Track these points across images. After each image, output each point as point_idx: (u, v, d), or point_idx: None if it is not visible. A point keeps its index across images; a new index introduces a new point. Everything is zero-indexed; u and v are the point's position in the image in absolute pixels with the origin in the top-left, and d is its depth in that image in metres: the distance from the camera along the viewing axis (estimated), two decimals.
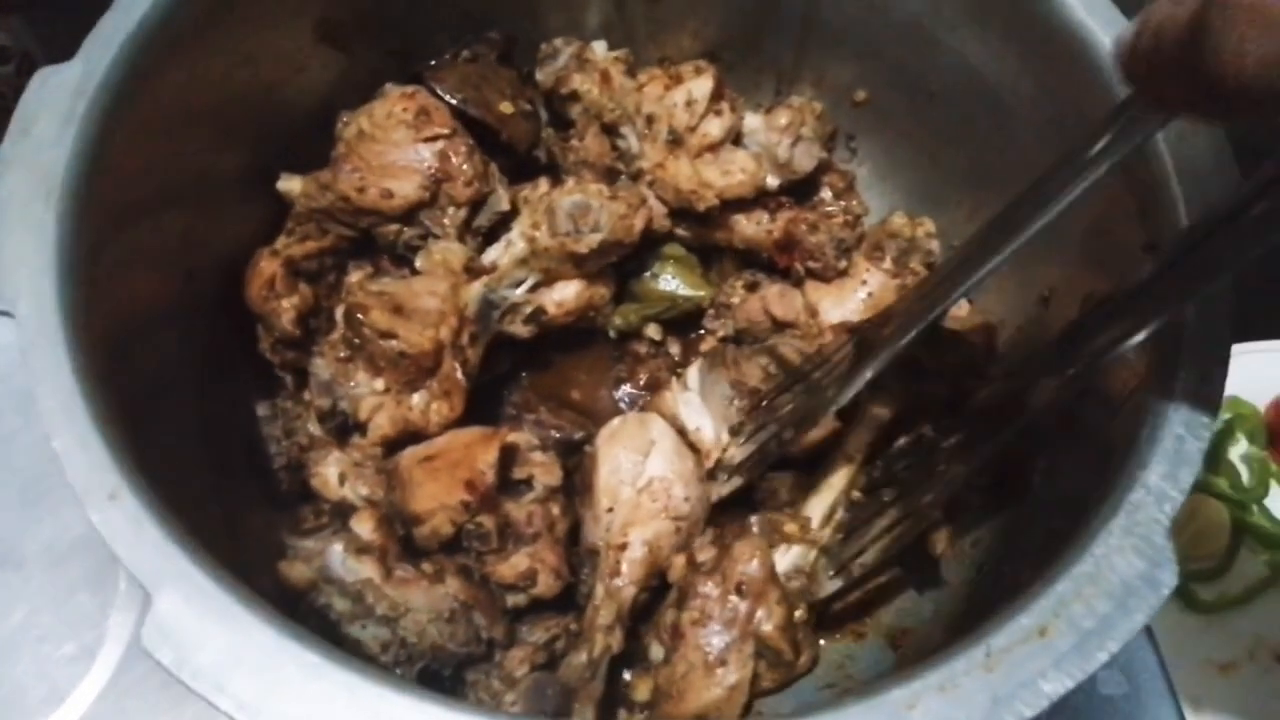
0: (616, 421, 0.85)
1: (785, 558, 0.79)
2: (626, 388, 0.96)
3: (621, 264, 0.91)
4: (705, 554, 0.78)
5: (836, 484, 0.80)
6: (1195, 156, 0.66)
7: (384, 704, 0.49)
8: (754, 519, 0.81)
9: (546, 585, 0.77)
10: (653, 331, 0.96)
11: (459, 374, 0.80)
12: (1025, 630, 0.53)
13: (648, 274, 0.94)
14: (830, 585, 0.79)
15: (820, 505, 0.80)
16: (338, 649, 0.51)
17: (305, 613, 0.69)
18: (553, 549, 0.78)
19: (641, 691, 0.77)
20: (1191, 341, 0.61)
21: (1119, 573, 0.54)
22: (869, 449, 0.81)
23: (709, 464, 0.84)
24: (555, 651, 0.78)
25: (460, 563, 0.76)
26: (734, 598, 0.74)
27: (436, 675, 0.73)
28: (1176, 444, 0.58)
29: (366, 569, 0.70)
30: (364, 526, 0.74)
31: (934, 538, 0.77)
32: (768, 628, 0.73)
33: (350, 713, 0.49)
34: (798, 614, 0.76)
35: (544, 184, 0.90)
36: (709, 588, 0.75)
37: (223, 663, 0.49)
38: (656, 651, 0.77)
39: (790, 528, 0.80)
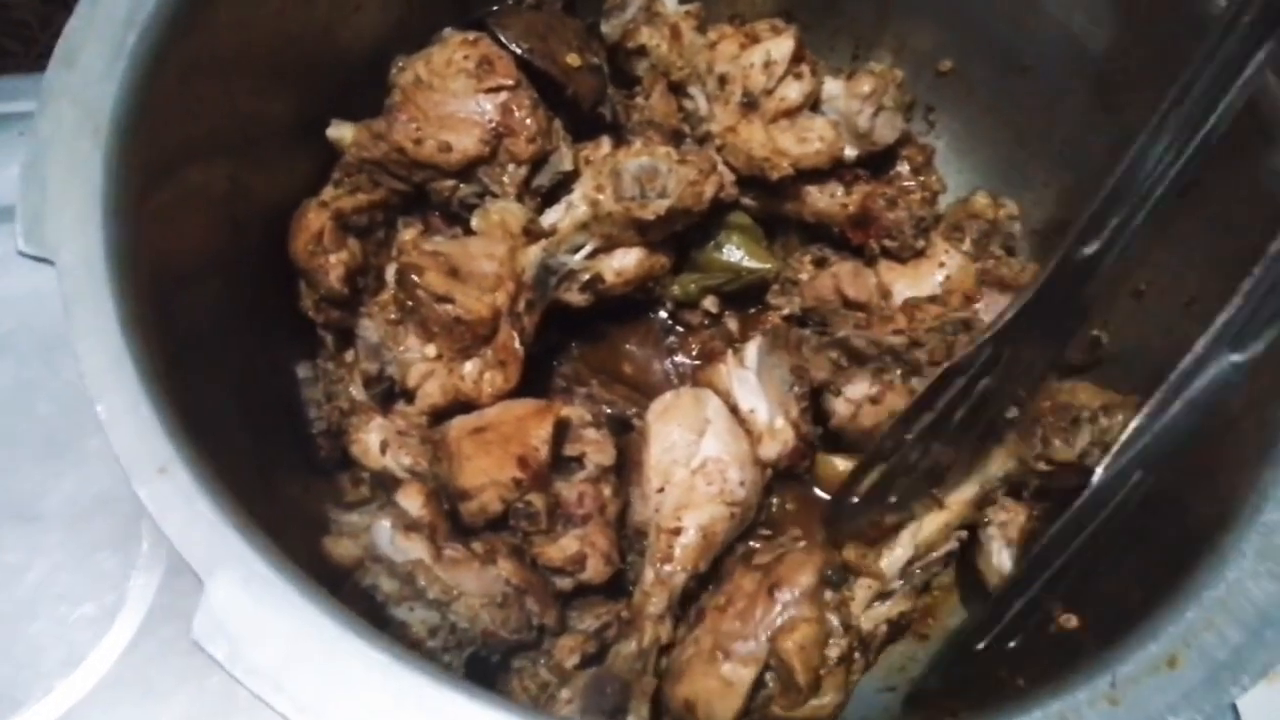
0: (669, 396, 0.81)
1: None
2: (679, 357, 0.91)
3: (683, 233, 0.86)
4: (763, 557, 0.74)
5: (924, 536, 0.75)
6: None
7: (452, 708, 0.45)
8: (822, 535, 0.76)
9: (596, 570, 0.73)
10: (710, 304, 0.91)
11: (516, 343, 0.76)
12: (1153, 659, 0.49)
13: (710, 243, 0.89)
14: (871, 620, 0.74)
15: (900, 555, 0.74)
16: (402, 647, 0.47)
17: (349, 592, 0.65)
18: (604, 532, 0.74)
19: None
20: None
21: (1253, 600, 0.50)
22: (969, 506, 0.75)
23: (760, 449, 0.80)
24: (606, 640, 0.74)
25: (511, 543, 0.72)
26: (766, 599, 0.70)
27: (484, 662, 0.69)
28: None
29: (417, 549, 0.66)
30: (412, 502, 0.70)
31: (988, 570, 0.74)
32: (788, 641, 0.68)
33: (418, 716, 0.45)
34: (831, 649, 0.70)
35: (606, 144, 0.85)
36: (746, 580, 0.72)
37: (281, 659, 0.45)
38: (680, 632, 0.74)
39: (850, 554, 0.75)
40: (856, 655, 0.73)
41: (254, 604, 0.46)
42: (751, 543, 0.76)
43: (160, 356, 0.55)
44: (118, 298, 0.54)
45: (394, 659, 0.46)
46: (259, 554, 0.48)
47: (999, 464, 0.73)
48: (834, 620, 0.71)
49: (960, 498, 0.73)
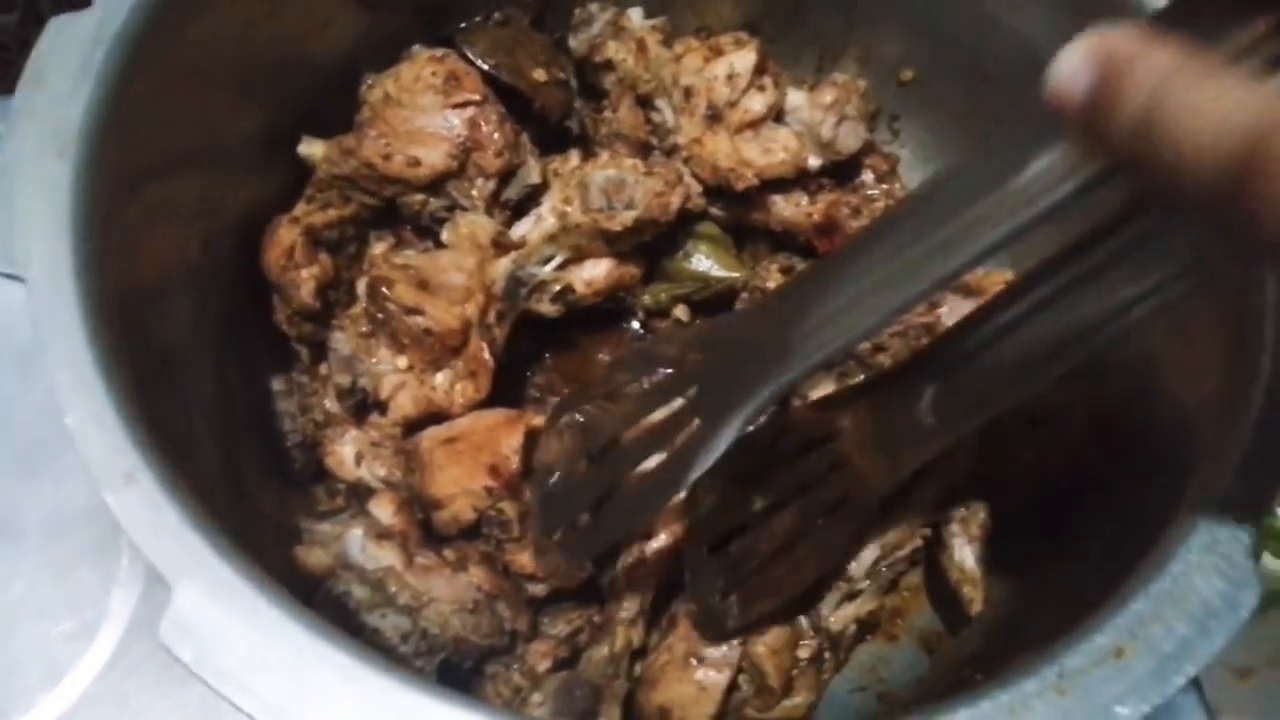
0: None
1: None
2: None
3: (652, 243, 0.87)
4: None
5: (890, 539, 0.75)
6: None
7: (421, 712, 0.46)
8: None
9: (569, 577, 0.74)
10: (680, 313, 0.92)
11: (486, 354, 0.77)
12: (1101, 651, 0.49)
13: (679, 253, 0.90)
14: (840, 620, 0.75)
15: (867, 556, 0.74)
16: (372, 650, 0.48)
17: (322, 600, 0.66)
18: None
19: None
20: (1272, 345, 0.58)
21: (1199, 593, 0.51)
22: (932, 506, 0.75)
23: None
24: (578, 645, 0.75)
25: (483, 550, 0.73)
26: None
27: (456, 668, 0.70)
28: (1262, 453, 0.55)
29: (388, 556, 0.67)
30: (384, 510, 0.71)
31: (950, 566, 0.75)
32: (759, 645, 0.70)
33: None
34: (802, 650, 0.72)
35: (575, 157, 0.86)
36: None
37: (248, 662, 0.46)
38: (653, 639, 0.74)
39: None
40: (827, 655, 0.74)
41: (220, 609, 0.47)
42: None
43: (130, 370, 0.56)
44: (86, 313, 0.55)
45: (360, 662, 0.46)
46: (226, 561, 0.48)
47: (959, 462, 0.74)
48: (803, 622, 0.72)
49: (922, 497, 0.74)
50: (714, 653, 0.69)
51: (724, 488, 0.70)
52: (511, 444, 0.74)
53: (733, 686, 0.70)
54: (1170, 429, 0.65)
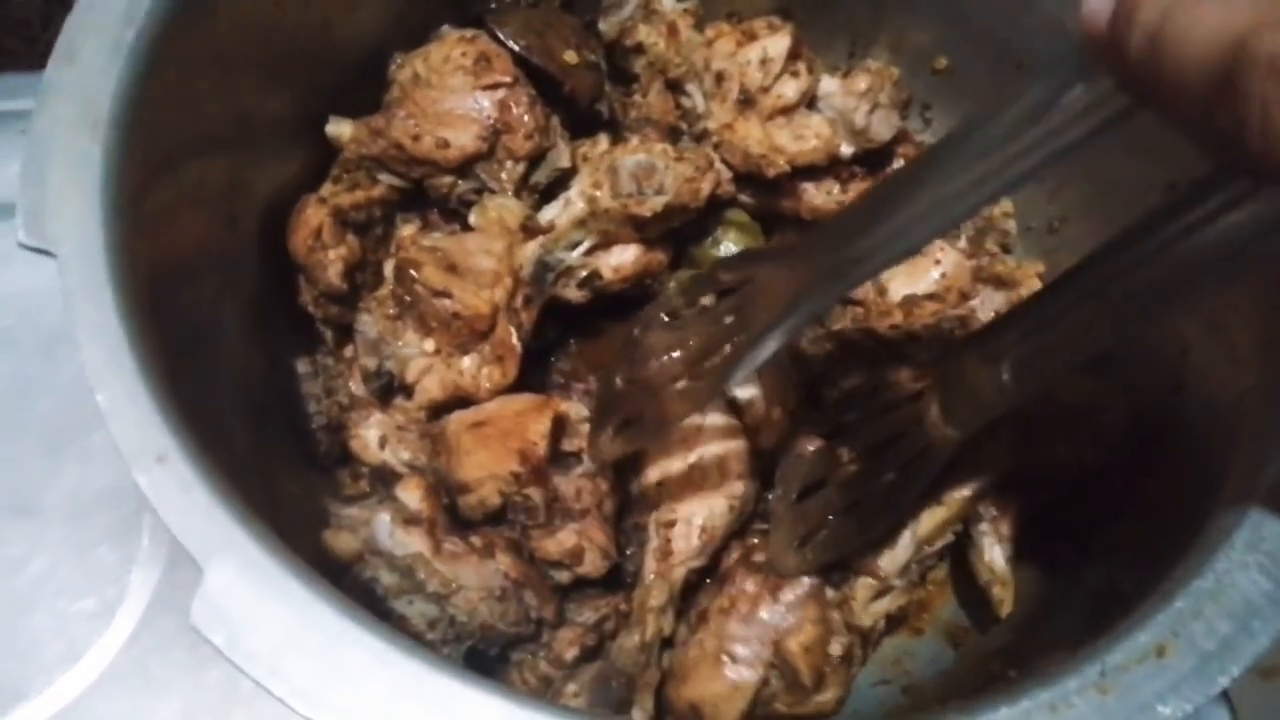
0: None
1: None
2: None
3: (680, 229, 0.86)
4: (761, 554, 0.74)
5: (923, 533, 0.73)
6: None
7: (451, 696, 0.46)
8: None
9: (593, 564, 0.74)
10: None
11: (514, 339, 0.76)
12: (1142, 649, 0.49)
13: (708, 239, 0.89)
14: (871, 616, 0.74)
15: (901, 554, 0.73)
16: (402, 635, 0.47)
17: (349, 585, 0.66)
18: (601, 527, 0.74)
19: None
20: None
21: (1241, 591, 0.50)
22: (967, 503, 0.74)
23: (759, 440, 0.81)
24: (604, 633, 0.74)
25: (509, 537, 0.73)
26: (769, 601, 0.71)
27: (482, 655, 0.70)
28: None
29: (416, 542, 0.66)
30: (411, 495, 0.71)
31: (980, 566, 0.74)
32: (792, 643, 0.69)
33: (416, 705, 0.45)
34: (834, 647, 0.71)
35: (604, 141, 0.85)
36: (749, 584, 0.72)
37: (279, 645, 0.45)
38: (682, 632, 0.74)
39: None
40: (857, 651, 0.73)
41: (252, 591, 0.47)
42: (750, 539, 0.76)
43: (160, 349, 0.56)
44: (117, 290, 0.55)
45: (391, 646, 0.46)
46: (257, 542, 0.48)
47: (994, 460, 0.73)
48: (836, 618, 0.72)
49: (958, 494, 0.73)
50: (745, 651, 0.69)
51: (817, 446, 0.76)
52: (539, 430, 0.73)
53: (764, 683, 0.69)
54: (1209, 424, 0.64)
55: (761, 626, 0.70)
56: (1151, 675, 0.48)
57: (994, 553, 0.73)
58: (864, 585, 0.72)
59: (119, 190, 0.59)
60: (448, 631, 0.66)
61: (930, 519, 0.73)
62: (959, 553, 0.77)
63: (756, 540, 0.76)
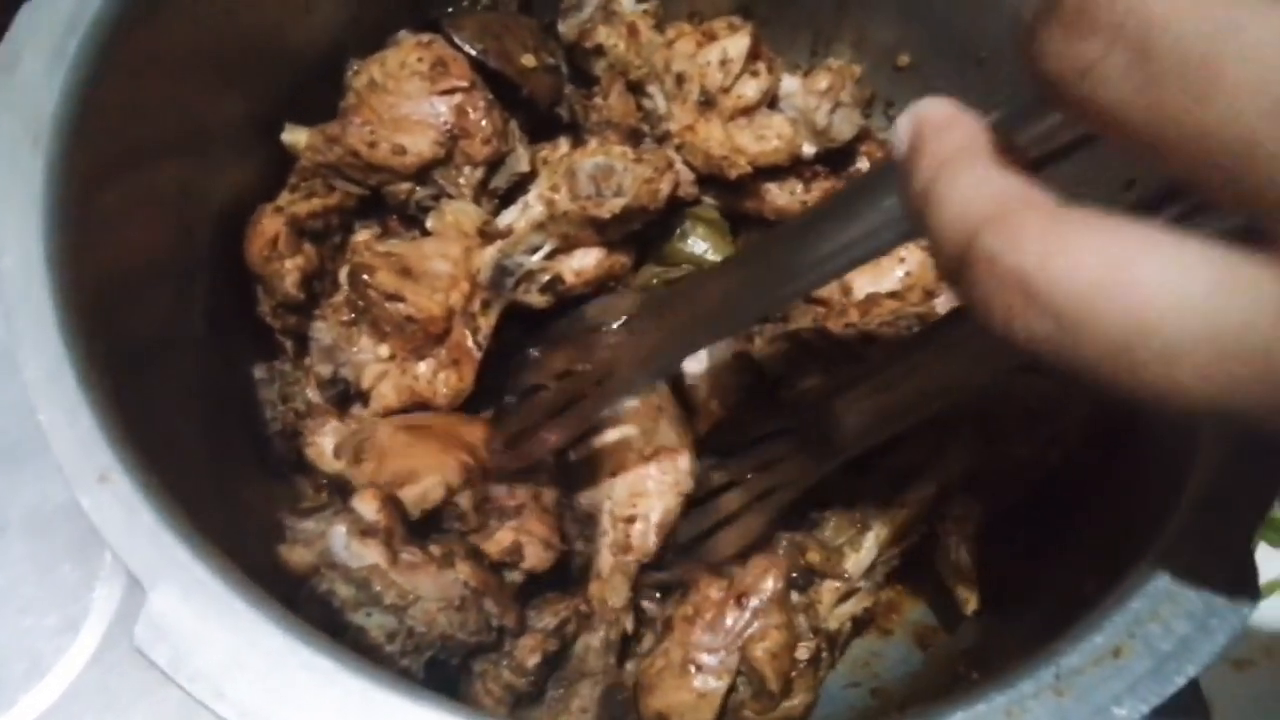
0: None
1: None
2: None
3: (643, 231, 0.86)
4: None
5: (885, 535, 0.74)
6: None
7: (404, 715, 0.45)
8: (785, 536, 0.74)
9: (537, 558, 0.72)
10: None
11: (469, 342, 0.75)
12: (1098, 650, 0.48)
13: (675, 233, 0.89)
14: (837, 619, 0.74)
15: (865, 556, 0.73)
16: (351, 652, 0.47)
17: (306, 599, 0.65)
18: (540, 518, 0.74)
19: (628, 673, 0.74)
20: None
21: (1199, 590, 0.50)
22: (929, 502, 0.75)
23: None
24: (566, 636, 0.73)
25: (470, 545, 0.72)
26: (734, 607, 0.70)
27: (443, 665, 0.69)
28: (1260, 453, 0.54)
29: (372, 554, 0.66)
30: (368, 506, 0.70)
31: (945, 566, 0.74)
32: (758, 650, 0.69)
33: None
34: (801, 651, 0.71)
35: (564, 144, 0.84)
36: (713, 590, 0.71)
37: (224, 666, 0.45)
38: (647, 641, 0.74)
39: (814, 557, 0.73)
40: (824, 654, 0.73)
41: (196, 612, 0.46)
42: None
43: (106, 363, 0.55)
44: (59, 305, 0.53)
45: (339, 665, 0.45)
46: (202, 561, 0.47)
47: (956, 460, 0.73)
48: (802, 623, 0.71)
49: (920, 495, 0.73)
50: (711, 659, 0.69)
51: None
52: (475, 434, 0.73)
53: (731, 690, 0.69)
54: (1169, 424, 0.64)
55: (726, 634, 0.69)
56: (1108, 677, 0.48)
57: (959, 553, 0.72)
58: (829, 588, 0.72)
59: (63, 201, 0.58)
60: (406, 643, 0.65)
61: (892, 520, 0.73)
62: (926, 557, 0.77)
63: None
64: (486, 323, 0.78)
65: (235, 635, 0.45)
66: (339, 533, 0.66)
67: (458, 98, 0.78)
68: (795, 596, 0.72)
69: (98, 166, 0.62)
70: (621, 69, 0.88)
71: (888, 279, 0.84)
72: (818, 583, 0.73)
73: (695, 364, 0.81)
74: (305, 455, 0.78)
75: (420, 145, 0.78)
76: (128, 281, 0.66)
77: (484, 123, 0.78)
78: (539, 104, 0.85)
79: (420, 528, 0.71)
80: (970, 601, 0.72)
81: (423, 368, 0.75)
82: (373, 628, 0.65)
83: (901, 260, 0.85)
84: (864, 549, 0.72)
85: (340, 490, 0.76)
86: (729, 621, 0.70)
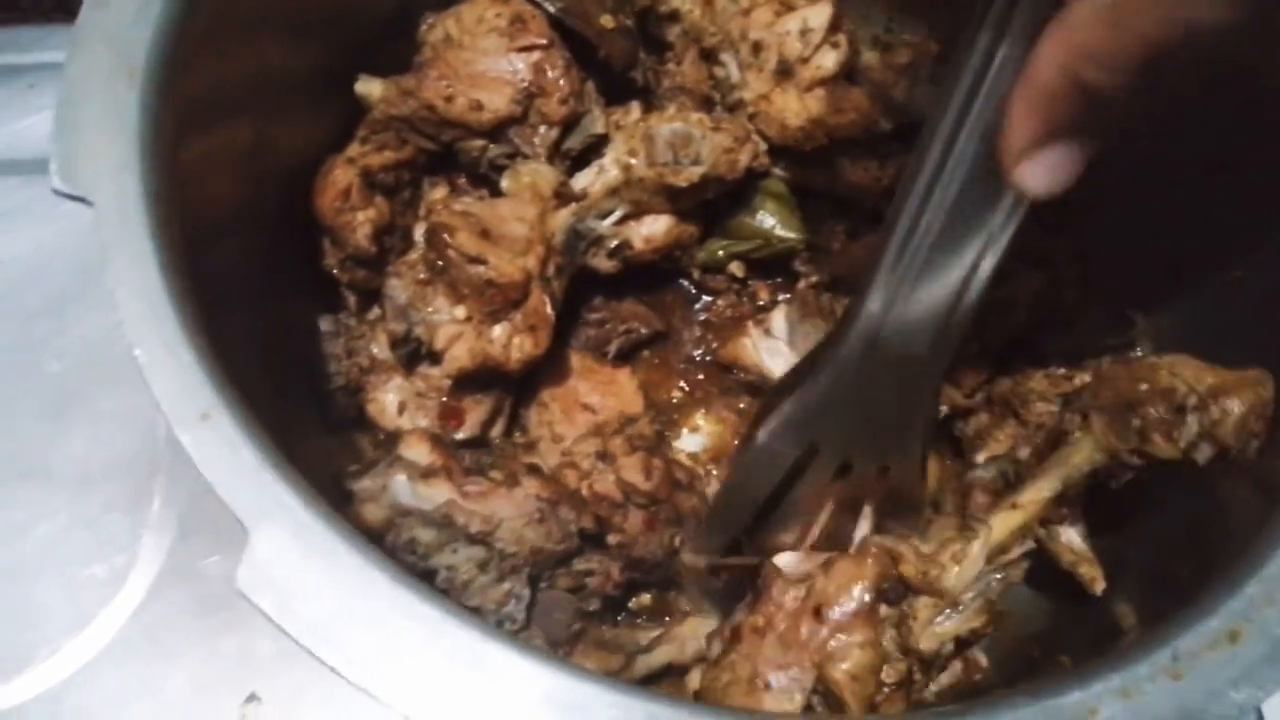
0: None
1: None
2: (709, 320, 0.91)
3: (713, 201, 0.84)
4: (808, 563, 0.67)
5: (996, 541, 0.65)
6: None
7: (509, 668, 0.44)
8: (875, 539, 0.66)
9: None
10: (736, 269, 0.89)
11: (548, 308, 0.74)
12: (1214, 634, 0.48)
13: (744, 208, 0.87)
14: (935, 639, 0.64)
15: (969, 568, 0.64)
16: (456, 604, 0.46)
17: (387, 552, 0.64)
18: None
19: (693, 680, 0.72)
20: None
21: None
22: (1047, 505, 0.67)
23: None
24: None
25: (527, 462, 0.71)
26: (811, 620, 0.62)
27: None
28: None
29: (441, 492, 0.65)
30: (418, 451, 0.69)
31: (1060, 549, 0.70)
32: (837, 671, 0.60)
33: (472, 676, 0.43)
34: (888, 674, 0.62)
35: (636, 109, 0.83)
36: (788, 597, 0.63)
37: (331, 612, 0.44)
38: (715, 647, 0.67)
39: (909, 569, 0.64)
40: (917, 676, 0.65)
41: (301, 556, 0.45)
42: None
43: (196, 305, 0.54)
44: (156, 242, 0.53)
45: (447, 615, 0.44)
46: (305, 505, 0.46)
47: (1084, 457, 0.67)
48: (892, 640, 0.63)
49: (1036, 496, 0.67)
50: (782, 678, 0.61)
51: None
52: None
53: (807, 708, 0.61)
54: None
55: (801, 649, 0.61)
56: (1224, 662, 0.47)
57: (1069, 533, 0.69)
58: (925, 604, 0.64)
59: (155, 141, 0.57)
60: (502, 566, 0.65)
61: (1003, 524, 0.66)
62: None
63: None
64: (560, 287, 0.77)
65: (342, 582, 0.44)
66: (400, 481, 0.65)
67: (536, 55, 0.77)
68: (885, 609, 0.63)
69: (185, 110, 0.61)
70: (695, 36, 0.87)
71: None
72: (912, 597, 0.64)
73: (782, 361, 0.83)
74: (366, 411, 0.78)
75: (497, 102, 0.77)
76: (207, 228, 0.65)
77: (562, 82, 0.77)
78: (614, 66, 0.83)
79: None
80: (1097, 580, 0.67)
81: (498, 331, 0.74)
82: (462, 563, 0.64)
83: None
84: (968, 559, 0.64)
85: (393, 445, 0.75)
86: (804, 635, 0.62)
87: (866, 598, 0.62)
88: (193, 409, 0.47)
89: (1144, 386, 0.65)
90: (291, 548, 0.45)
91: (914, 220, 0.60)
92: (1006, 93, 0.47)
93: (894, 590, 0.64)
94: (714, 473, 0.84)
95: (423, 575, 0.61)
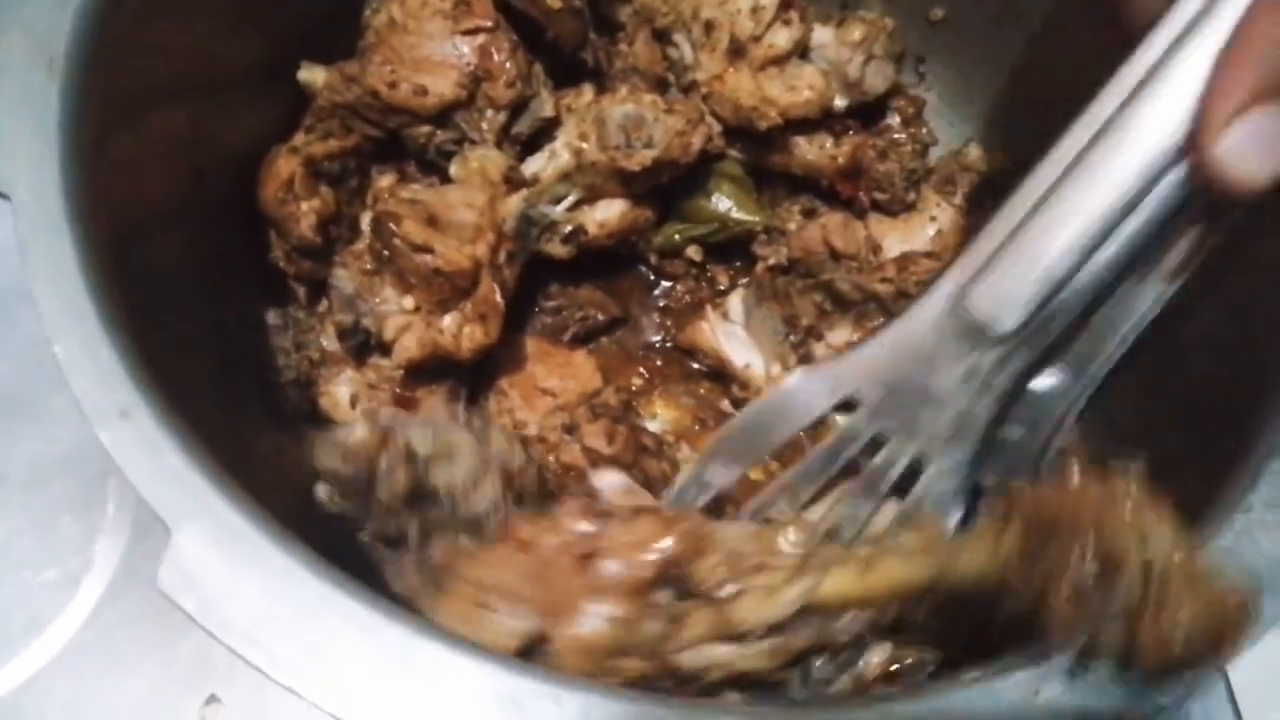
0: None
1: None
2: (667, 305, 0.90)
3: (668, 184, 0.83)
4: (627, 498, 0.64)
5: (824, 596, 0.51)
6: None
7: (440, 665, 0.43)
8: (707, 524, 0.56)
9: None
10: (693, 253, 0.88)
11: (497, 296, 0.73)
12: None
13: (700, 191, 0.86)
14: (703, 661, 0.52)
15: (770, 609, 0.51)
16: (388, 599, 0.44)
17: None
18: None
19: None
20: None
21: (1261, 549, 0.49)
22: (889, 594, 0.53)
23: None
24: None
25: None
26: (575, 565, 0.52)
27: None
28: None
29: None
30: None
31: None
32: (568, 632, 0.50)
33: (403, 675, 0.42)
34: (628, 665, 0.51)
35: (589, 91, 0.82)
36: (572, 527, 0.54)
37: (256, 612, 0.42)
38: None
39: (704, 570, 0.53)
40: (666, 684, 0.52)
41: (225, 555, 0.44)
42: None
43: (121, 300, 0.52)
44: (77, 236, 0.51)
45: (376, 612, 0.43)
46: (231, 504, 0.45)
47: (973, 561, 0.50)
48: (651, 633, 0.52)
49: (889, 574, 0.52)
50: (506, 612, 0.51)
51: None
52: None
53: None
54: (1218, 379, 0.62)
55: (545, 590, 0.52)
56: None
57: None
58: (703, 616, 0.52)
59: (78, 133, 0.55)
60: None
61: (836, 584, 0.52)
62: None
63: None
64: (511, 274, 0.76)
65: (268, 580, 0.43)
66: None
67: (481, 38, 0.76)
68: (662, 595, 0.53)
69: (112, 100, 0.59)
70: (647, 15, 0.85)
71: (918, 237, 0.82)
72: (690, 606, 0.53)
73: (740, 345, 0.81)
74: (319, 405, 0.76)
75: (442, 86, 0.75)
76: (139, 221, 0.63)
77: (508, 65, 0.76)
78: (563, 48, 0.82)
79: None
80: None
81: (448, 321, 0.72)
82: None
83: (933, 219, 0.83)
84: (774, 602, 0.52)
85: None
86: (558, 576, 0.52)
87: (646, 573, 0.52)
88: (112, 406, 0.46)
89: (1085, 520, 0.46)
90: (216, 546, 0.44)
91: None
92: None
93: (682, 581, 0.53)
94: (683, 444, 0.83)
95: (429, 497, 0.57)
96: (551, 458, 0.75)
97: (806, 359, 0.79)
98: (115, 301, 0.52)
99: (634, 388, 0.87)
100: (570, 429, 0.76)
